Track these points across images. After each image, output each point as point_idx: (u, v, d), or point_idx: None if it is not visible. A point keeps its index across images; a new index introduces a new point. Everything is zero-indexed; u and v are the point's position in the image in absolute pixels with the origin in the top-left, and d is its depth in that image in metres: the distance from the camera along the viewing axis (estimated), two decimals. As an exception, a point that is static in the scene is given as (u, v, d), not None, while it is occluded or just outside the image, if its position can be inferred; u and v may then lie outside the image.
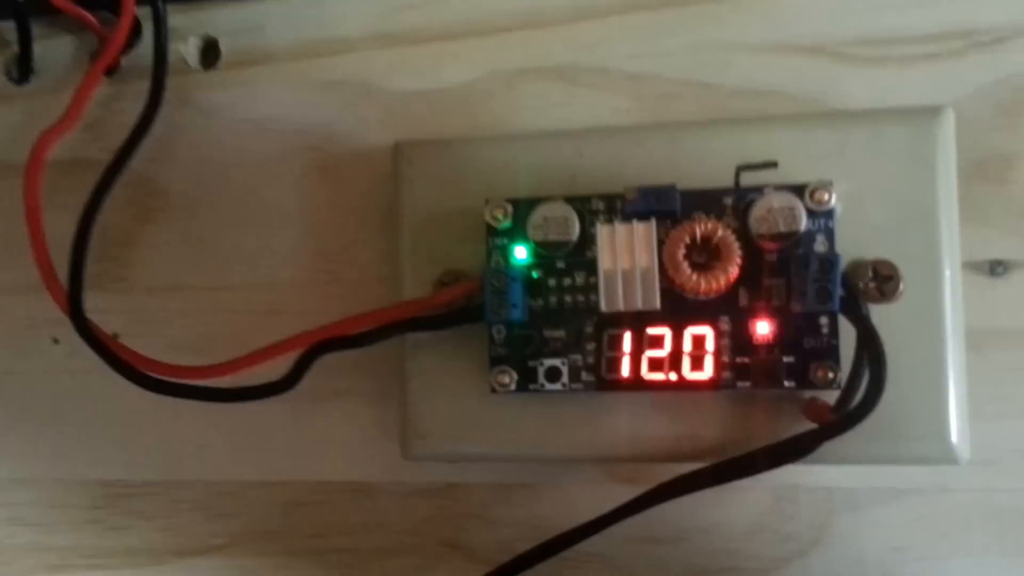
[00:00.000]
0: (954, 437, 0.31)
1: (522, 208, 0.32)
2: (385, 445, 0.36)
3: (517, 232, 0.32)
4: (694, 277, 0.30)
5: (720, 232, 0.30)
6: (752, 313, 0.31)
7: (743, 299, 0.31)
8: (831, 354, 0.31)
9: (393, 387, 0.36)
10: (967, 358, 0.32)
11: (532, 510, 0.36)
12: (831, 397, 0.31)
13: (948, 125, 0.32)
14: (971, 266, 0.33)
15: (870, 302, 0.31)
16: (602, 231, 0.31)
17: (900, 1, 0.34)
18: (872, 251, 0.31)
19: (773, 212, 0.30)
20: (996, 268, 0.33)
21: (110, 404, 0.39)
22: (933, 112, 0.32)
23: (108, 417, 0.39)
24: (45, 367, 0.40)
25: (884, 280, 0.31)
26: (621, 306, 0.30)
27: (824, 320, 0.31)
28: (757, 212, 0.30)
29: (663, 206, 0.30)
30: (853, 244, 0.31)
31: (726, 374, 0.31)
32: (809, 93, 0.35)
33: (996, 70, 0.34)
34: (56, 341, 0.40)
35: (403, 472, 0.37)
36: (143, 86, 0.38)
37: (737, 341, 0.31)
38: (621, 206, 0.31)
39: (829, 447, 0.30)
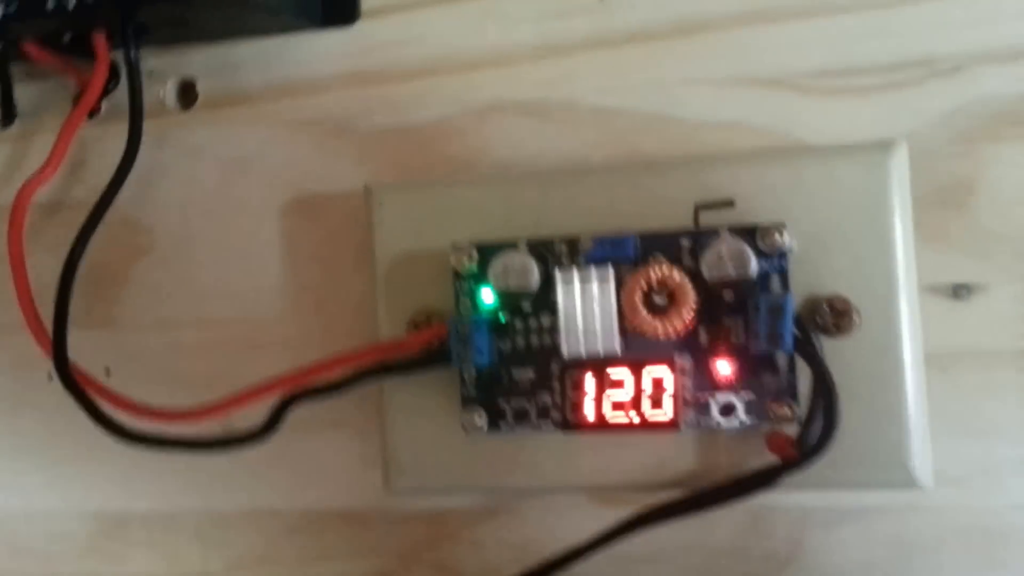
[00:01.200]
0: (914, 463, 0.32)
1: (487, 253, 0.33)
2: (372, 473, 0.38)
3: (483, 276, 0.33)
4: (651, 321, 0.31)
5: (677, 277, 0.31)
6: (712, 352, 0.32)
7: (703, 338, 0.32)
8: (789, 391, 0.31)
9: (373, 416, 0.37)
10: (933, 380, 0.33)
11: (519, 533, 0.37)
12: (794, 430, 0.32)
13: (901, 158, 0.32)
14: (935, 290, 0.34)
15: (827, 336, 0.32)
16: (560, 278, 0.31)
17: (859, 32, 0.34)
18: (829, 286, 0.32)
19: (723, 258, 0.31)
20: (959, 291, 0.34)
21: (103, 438, 0.40)
22: (885, 146, 0.32)
23: (105, 449, 0.40)
24: (42, 401, 0.41)
25: (839, 315, 0.32)
26: (582, 351, 0.31)
27: (781, 358, 0.31)
28: (708, 258, 0.31)
29: (620, 253, 0.31)
30: (809, 280, 0.32)
31: (688, 413, 0.32)
32: (770, 125, 0.35)
33: (955, 98, 0.34)
34: (50, 377, 0.41)
35: (391, 499, 0.38)
36: (123, 128, 0.39)
37: (698, 379, 0.32)
38: (580, 252, 0.32)
39: (795, 476, 0.31)
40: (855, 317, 0.32)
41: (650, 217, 0.33)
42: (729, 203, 0.32)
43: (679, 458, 0.33)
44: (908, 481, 0.32)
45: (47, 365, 0.40)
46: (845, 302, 0.32)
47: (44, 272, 0.38)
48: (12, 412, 0.41)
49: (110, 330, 0.40)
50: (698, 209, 0.33)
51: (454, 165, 0.37)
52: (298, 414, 0.35)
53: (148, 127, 0.39)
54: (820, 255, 0.32)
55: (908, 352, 0.32)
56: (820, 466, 0.31)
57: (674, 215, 0.33)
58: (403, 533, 0.38)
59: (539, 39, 0.37)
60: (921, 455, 0.32)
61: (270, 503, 0.39)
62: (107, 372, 0.40)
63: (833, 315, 0.32)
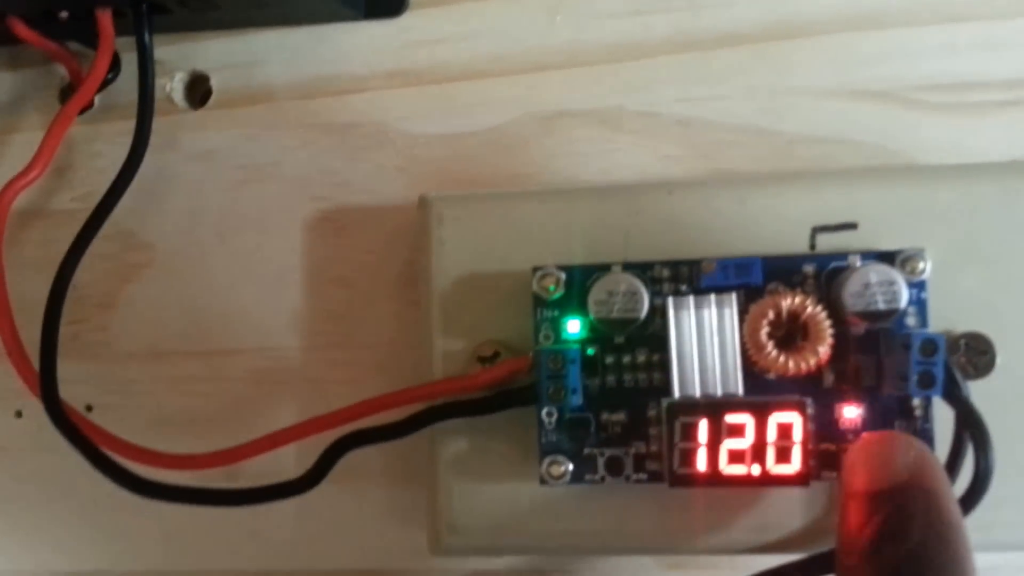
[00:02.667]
0: (1054, 521, 0.28)
1: (575, 276, 0.28)
2: (404, 530, 0.33)
3: (569, 303, 0.28)
4: (781, 358, 0.27)
5: (809, 309, 0.27)
6: (839, 396, 0.28)
7: (828, 379, 0.28)
8: (927, 438, 0.27)
9: (413, 464, 0.32)
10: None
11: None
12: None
13: (1038, 180, 0.29)
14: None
15: (963, 377, 0.28)
16: (675, 305, 0.27)
17: (974, 46, 0.31)
18: (961, 322, 0.28)
19: (871, 287, 0.27)
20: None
21: (80, 485, 0.34)
22: (1022, 168, 0.29)
23: (81, 501, 0.34)
24: (5, 444, 0.35)
25: (978, 355, 0.28)
26: (697, 391, 0.27)
27: (917, 402, 0.27)
28: (852, 287, 0.27)
29: (745, 280, 0.27)
30: (941, 314, 0.28)
31: (813, 465, 0.27)
32: (875, 142, 0.32)
33: (1077, 118, 0.31)
34: (19, 415, 0.35)
35: (425, 560, 0.32)
36: (120, 126, 0.34)
37: (822, 427, 0.28)
38: (691, 276, 0.28)
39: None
40: (995, 356, 0.28)
41: (756, 239, 0.29)
42: (851, 226, 0.29)
43: (796, 517, 0.29)
44: (1047, 542, 0.29)
45: (15, 401, 0.35)
46: (986, 341, 0.28)
47: (24, 291, 0.32)
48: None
49: (94, 361, 0.34)
50: (815, 232, 0.29)
51: (511, 179, 0.33)
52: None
53: (152, 127, 0.33)
54: (952, 287, 0.28)
55: (1047, 396, 0.28)
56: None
57: (781, 237, 0.29)
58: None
59: (614, 38, 0.33)
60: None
61: (282, 564, 0.34)
62: (88, 409, 0.34)
63: (970, 353, 0.28)
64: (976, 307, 0.29)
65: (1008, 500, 0.28)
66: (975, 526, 0.27)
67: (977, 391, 0.28)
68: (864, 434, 0.27)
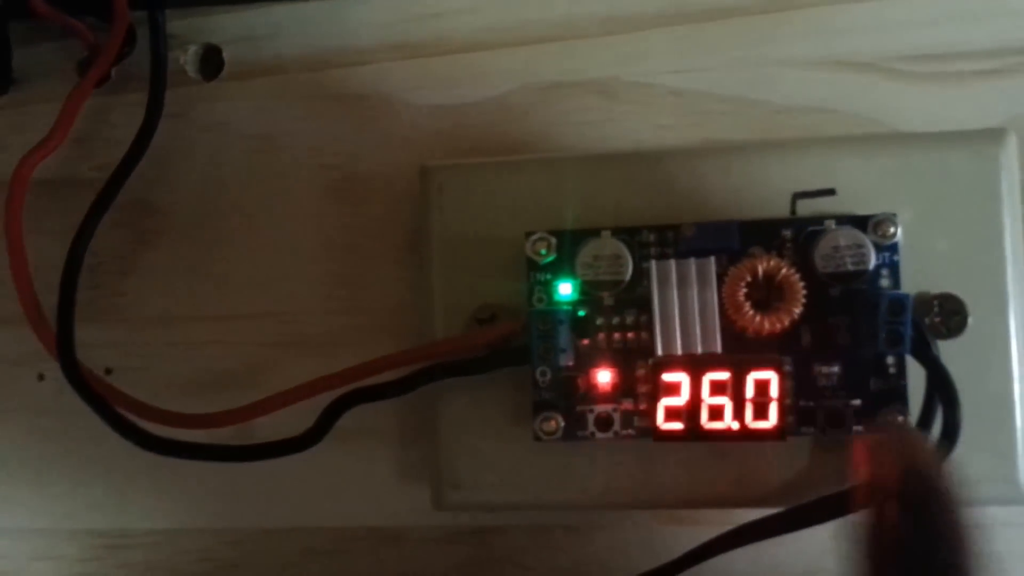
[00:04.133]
0: (1023, 478, 0.30)
1: (566, 241, 0.30)
2: (411, 487, 0.34)
3: (561, 267, 0.30)
4: (757, 318, 0.28)
5: (784, 270, 0.28)
6: (816, 354, 0.29)
7: (805, 338, 0.29)
8: (900, 396, 0.29)
9: (419, 425, 0.34)
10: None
11: (573, 555, 0.34)
12: (898, 440, 0.29)
13: (1011, 148, 0.30)
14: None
15: (935, 338, 0.29)
16: (657, 268, 0.29)
17: (955, 16, 0.33)
18: (935, 284, 0.30)
19: (840, 250, 0.28)
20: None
21: (102, 446, 0.35)
22: (996, 135, 0.30)
23: (100, 460, 0.36)
24: (29, 406, 0.37)
25: (950, 316, 0.29)
26: (679, 349, 0.28)
27: (891, 360, 0.29)
28: (822, 250, 0.28)
29: (723, 243, 0.28)
30: (915, 277, 0.29)
31: (790, 421, 0.29)
32: (860, 111, 0.33)
33: (1055, 87, 0.32)
34: (42, 377, 0.36)
35: (431, 517, 0.34)
36: (135, 98, 0.35)
37: (801, 384, 0.29)
38: (675, 238, 0.29)
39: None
40: (967, 316, 0.29)
41: (741, 204, 0.30)
42: (830, 192, 0.30)
43: (775, 471, 0.30)
44: (1017, 498, 0.30)
45: (37, 365, 0.36)
46: (958, 301, 0.29)
47: (43, 258, 0.34)
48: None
49: (112, 326, 0.36)
50: (796, 198, 0.30)
51: (510, 148, 0.34)
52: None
53: (166, 99, 0.35)
54: (925, 251, 0.30)
55: (1017, 357, 0.30)
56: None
57: (766, 200, 0.30)
58: (443, 556, 0.34)
59: (609, 10, 0.34)
60: (1031, 470, 0.30)
61: (290, 521, 0.35)
62: (107, 372, 0.36)
63: (943, 314, 0.29)
64: (949, 270, 0.30)
65: (978, 456, 0.29)
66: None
67: (950, 351, 0.29)
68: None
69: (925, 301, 0.30)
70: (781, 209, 0.30)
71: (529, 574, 0.34)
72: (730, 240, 0.29)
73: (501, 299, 0.31)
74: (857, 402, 0.29)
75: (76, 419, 0.35)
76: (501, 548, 0.34)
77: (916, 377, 0.29)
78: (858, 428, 0.29)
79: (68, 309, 0.33)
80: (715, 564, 0.32)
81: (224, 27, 0.36)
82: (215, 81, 0.36)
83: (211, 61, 0.36)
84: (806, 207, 0.30)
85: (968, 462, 0.29)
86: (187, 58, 0.36)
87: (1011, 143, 0.30)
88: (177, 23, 0.35)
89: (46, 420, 0.36)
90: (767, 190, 0.30)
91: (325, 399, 0.31)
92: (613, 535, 0.34)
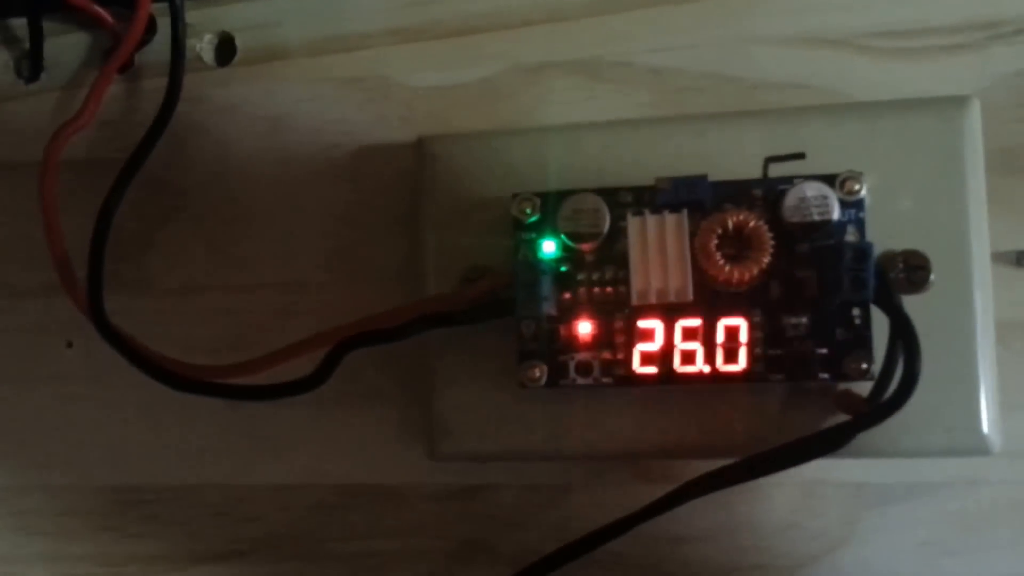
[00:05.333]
0: (986, 427, 0.31)
1: (550, 202, 0.32)
2: (410, 447, 0.36)
3: (545, 226, 0.32)
4: (727, 268, 0.30)
5: (752, 222, 0.30)
6: (784, 305, 0.31)
7: (775, 291, 0.31)
8: (865, 345, 0.30)
9: (417, 389, 0.36)
10: (995, 350, 0.32)
11: (560, 511, 0.35)
12: (864, 389, 0.30)
13: (974, 115, 0.32)
14: (997, 257, 0.33)
15: (900, 292, 0.31)
16: (633, 222, 0.30)
17: (920, -6, 0.34)
18: (901, 242, 0.31)
19: (806, 201, 0.30)
20: (1023, 258, 0.33)
21: (124, 408, 0.38)
22: (960, 102, 0.32)
23: (123, 422, 0.38)
24: (58, 371, 0.39)
25: (914, 270, 0.31)
26: (653, 299, 0.30)
27: (857, 311, 0.30)
28: (790, 201, 0.30)
29: (694, 196, 0.30)
30: (882, 235, 0.31)
31: (759, 366, 0.31)
32: (831, 86, 0.35)
33: (1018, 61, 0.34)
34: (70, 345, 0.39)
35: (428, 474, 0.36)
36: (156, 83, 0.38)
37: (770, 333, 0.31)
38: (651, 197, 0.31)
39: (861, 441, 0.30)
40: (931, 271, 0.31)
41: (716, 170, 0.32)
42: (800, 156, 0.32)
43: (744, 419, 0.32)
44: (981, 447, 0.31)
45: (66, 332, 0.39)
46: (922, 257, 0.31)
47: (71, 234, 0.37)
48: (26, 382, 0.39)
49: (134, 296, 0.38)
50: (768, 162, 0.32)
51: (502, 125, 0.36)
52: (334, 385, 0.33)
53: (183, 83, 0.37)
54: (891, 211, 0.32)
55: (979, 313, 0.31)
56: (887, 431, 0.30)
57: (741, 168, 0.32)
58: (439, 510, 0.36)
59: (593, -6, 0.36)
60: (993, 420, 0.31)
61: (299, 477, 0.37)
62: (130, 340, 0.38)
63: (908, 270, 0.31)
64: (914, 229, 0.31)
65: (943, 408, 0.31)
66: (900, 431, 0.30)
67: (915, 306, 0.31)
68: None
69: (890, 258, 0.31)
70: (755, 174, 0.32)
71: (519, 528, 0.36)
72: (702, 193, 0.30)
73: (490, 259, 0.33)
74: (824, 351, 0.30)
75: (100, 382, 0.38)
76: (493, 505, 0.36)
77: (880, 330, 0.30)
78: (824, 376, 0.30)
79: (98, 270, 0.35)
80: (691, 516, 0.34)
81: (236, 16, 0.38)
82: (228, 67, 0.38)
83: (225, 48, 0.39)
84: (777, 171, 0.32)
85: (933, 414, 0.31)
86: (203, 45, 0.38)
87: (974, 109, 0.32)
88: (194, 13, 0.38)
89: (74, 384, 0.39)
90: (741, 157, 0.32)
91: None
92: (596, 493, 0.35)
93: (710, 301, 0.31)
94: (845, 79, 0.34)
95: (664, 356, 0.31)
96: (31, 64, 0.39)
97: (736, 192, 0.31)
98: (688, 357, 0.31)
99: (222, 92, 0.38)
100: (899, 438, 0.31)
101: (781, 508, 0.34)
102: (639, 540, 0.33)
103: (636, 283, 0.30)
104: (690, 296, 0.30)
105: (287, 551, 0.37)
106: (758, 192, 0.31)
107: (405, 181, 0.36)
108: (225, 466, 0.38)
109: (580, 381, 0.31)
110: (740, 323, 0.30)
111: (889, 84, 0.34)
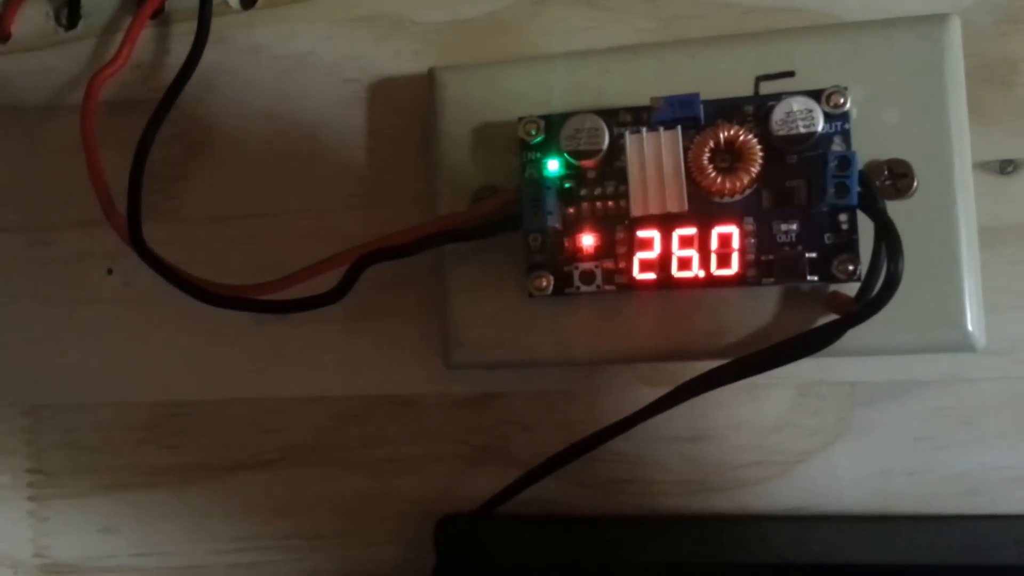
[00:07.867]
0: (970, 325, 0.33)
1: (554, 123, 0.34)
2: (427, 359, 0.39)
3: (549, 146, 0.34)
4: (719, 179, 0.32)
5: (742, 136, 0.32)
6: (775, 213, 0.33)
7: (766, 201, 0.33)
8: (851, 248, 0.32)
9: (433, 304, 0.38)
10: (980, 254, 0.34)
11: (568, 415, 0.38)
12: (852, 291, 0.32)
13: (955, 31, 0.33)
14: (981, 166, 0.35)
15: (886, 199, 0.33)
16: (631, 139, 0.32)
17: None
18: (886, 152, 0.33)
19: (792, 115, 0.32)
20: (1006, 167, 0.35)
21: (161, 329, 0.41)
22: (940, 19, 0.33)
23: (159, 342, 0.41)
24: (99, 296, 0.42)
25: (899, 177, 0.33)
26: (651, 209, 0.32)
27: (843, 217, 0.32)
28: (777, 115, 0.32)
29: (687, 112, 0.32)
30: (868, 146, 0.33)
31: (751, 271, 0.33)
32: (821, 8, 0.36)
33: (1002, -21, 0.35)
34: (110, 272, 0.42)
35: (444, 384, 0.39)
36: (186, 27, 0.40)
37: (761, 240, 0.33)
38: (648, 116, 0.33)
39: (850, 339, 0.32)
40: (914, 178, 0.32)
41: (710, 91, 0.33)
42: (789, 74, 0.33)
43: (739, 322, 0.34)
44: (965, 343, 0.33)
45: (106, 261, 0.41)
46: (905, 164, 0.33)
47: (109, 169, 0.39)
48: (69, 307, 0.42)
49: (168, 224, 0.41)
50: (758, 80, 0.34)
51: (508, 57, 0.38)
52: (356, 302, 0.36)
53: (211, 27, 0.40)
54: (876, 124, 0.33)
55: (962, 216, 0.33)
56: (876, 329, 0.32)
57: (734, 88, 0.34)
58: (455, 417, 0.39)
59: (594, -72, 0.38)
60: (977, 318, 0.33)
61: (324, 390, 0.40)
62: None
63: (893, 177, 0.33)
64: (899, 139, 0.33)
65: (929, 307, 0.33)
66: (890, 330, 0.32)
67: (901, 212, 0.32)
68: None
69: (876, 166, 0.33)
70: (747, 93, 0.34)
71: (530, 432, 0.38)
72: (694, 110, 0.32)
73: (499, 180, 0.35)
74: (813, 255, 0.32)
75: (138, 306, 0.41)
76: (506, 411, 0.39)
77: (867, 235, 0.32)
78: (813, 278, 0.32)
79: (136, 198, 0.38)
80: (692, 417, 0.36)
81: (259, -40, 0.41)
82: (252, 10, 0.41)
83: (249, -8, 0.41)
84: (768, 88, 0.34)
85: (920, 313, 0.33)
86: (228, -10, 0.41)
87: (955, 26, 0.33)
88: (218, -41, 0.40)
89: (113, 308, 0.42)
90: (733, 78, 0.34)
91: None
92: (600, 397, 0.38)
93: (704, 211, 0.33)
94: (836, 3, 0.36)
95: (662, 263, 0.33)
96: (69, 13, 0.42)
97: (728, 109, 0.33)
98: (684, 263, 0.33)
99: (247, 34, 0.41)
100: (888, 336, 0.33)
101: (778, 408, 0.37)
102: (643, 439, 0.36)
103: (635, 196, 0.32)
104: (685, 206, 0.32)
105: (314, 458, 0.40)
106: (748, 108, 0.33)
107: (419, 110, 0.38)
108: (254, 381, 0.41)
109: (584, 289, 0.34)
110: (733, 230, 0.32)
111: (876, 5, 0.36)
